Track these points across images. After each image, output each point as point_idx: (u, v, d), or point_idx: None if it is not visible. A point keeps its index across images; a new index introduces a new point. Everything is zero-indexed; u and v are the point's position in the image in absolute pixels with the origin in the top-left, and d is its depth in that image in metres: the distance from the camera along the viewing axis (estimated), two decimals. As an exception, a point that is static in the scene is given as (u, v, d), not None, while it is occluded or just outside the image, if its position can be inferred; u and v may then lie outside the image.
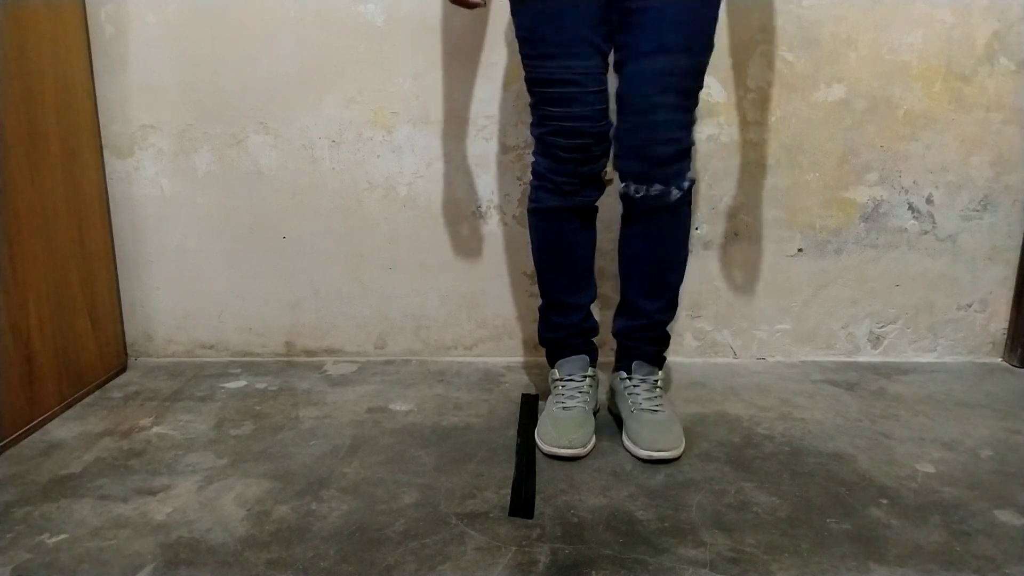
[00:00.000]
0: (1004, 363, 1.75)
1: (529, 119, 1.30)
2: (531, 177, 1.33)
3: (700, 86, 1.25)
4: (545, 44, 1.22)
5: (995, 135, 1.64)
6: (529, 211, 1.36)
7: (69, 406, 1.50)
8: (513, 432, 1.37)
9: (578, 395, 1.36)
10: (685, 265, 1.39)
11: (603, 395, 1.51)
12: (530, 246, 1.40)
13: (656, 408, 1.32)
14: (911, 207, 1.68)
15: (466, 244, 1.70)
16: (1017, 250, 1.70)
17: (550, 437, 1.28)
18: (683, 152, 1.26)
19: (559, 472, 1.23)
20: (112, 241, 1.69)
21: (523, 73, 1.27)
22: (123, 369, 1.71)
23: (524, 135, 1.63)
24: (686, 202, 1.31)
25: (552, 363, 1.43)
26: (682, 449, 1.27)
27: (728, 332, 1.75)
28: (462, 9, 1.40)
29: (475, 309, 1.74)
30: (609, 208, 1.71)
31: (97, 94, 1.63)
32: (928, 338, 1.75)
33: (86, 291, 1.56)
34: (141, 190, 1.69)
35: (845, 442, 1.34)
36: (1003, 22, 1.58)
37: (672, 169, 1.25)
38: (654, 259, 1.35)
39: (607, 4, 1.21)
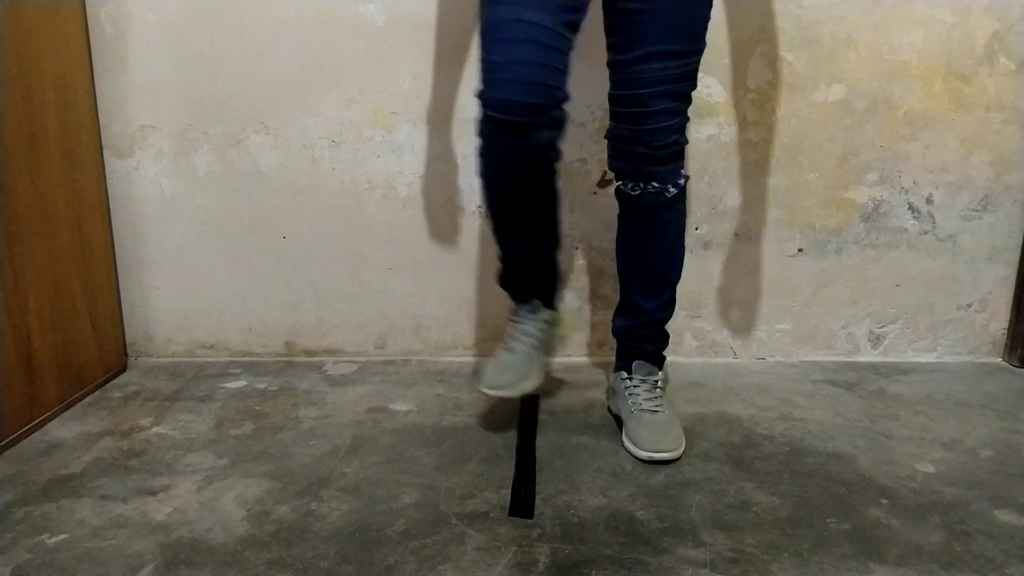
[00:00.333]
0: (1004, 363, 1.75)
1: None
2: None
3: (693, 87, 1.24)
4: None
5: (995, 135, 1.64)
6: (480, 154, 1.22)
7: (69, 406, 1.50)
8: (513, 432, 1.37)
9: (524, 338, 1.36)
10: (682, 262, 1.38)
11: (597, 394, 1.51)
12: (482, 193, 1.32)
13: (656, 408, 1.32)
14: (911, 207, 1.68)
15: (466, 244, 1.70)
16: (1017, 250, 1.70)
17: (485, 378, 1.30)
18: (678, 152, 1.26)
19: (559, 472, 1.23)
20: (112, 241, 1.69)
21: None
22: (123, 369, 1.71)
23: (524, 135, 1.63)
24: (681, 199, 1.30)
25: (513, 302, 1.42)
26: (682, 450, 1.27)
27: (728, 332, 1.75)
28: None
29: (475, 309, 1.74)
30: (608, 208, 1.70)
31: (97, 94, 1.63)
32: (928, 338, 1.75)
33: (86, 291, 1.56)
34: (141, 190, 1.69)
35: (845, 442, 1.34)
36: (1003, 22, 1.58)
37: (667, 168, 1.25)
38: (652, 257, 1.35)
39: None
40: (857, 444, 1.33)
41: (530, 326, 1.38)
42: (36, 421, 1.40)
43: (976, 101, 1.62)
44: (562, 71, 1.15)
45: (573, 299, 1.73)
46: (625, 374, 1.39)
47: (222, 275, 1.74)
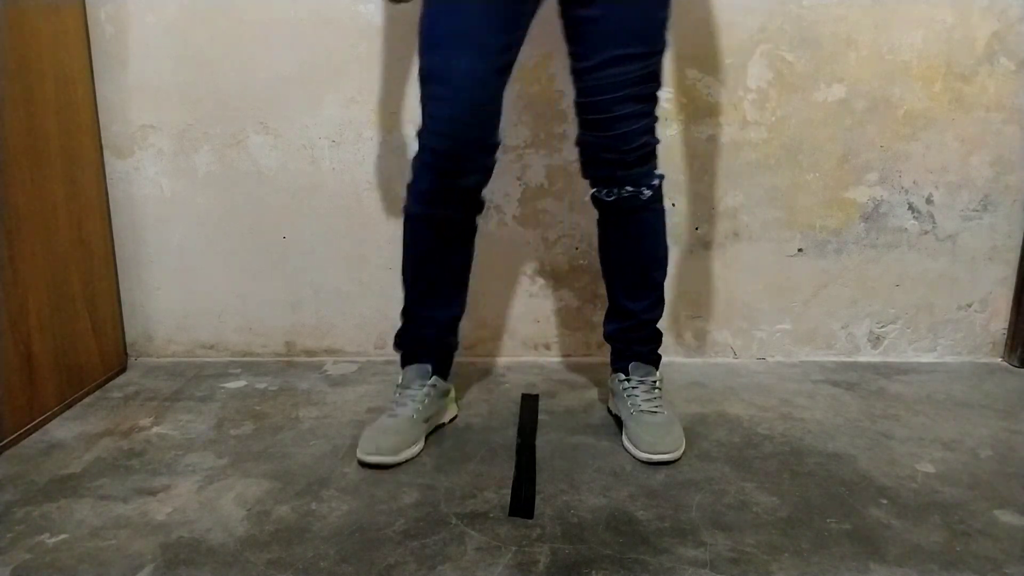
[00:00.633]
0: (1004, 363, 1.75)
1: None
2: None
3: (657, 87, 1.23)
4: (436, 39, 1.18)
5: (995, 135, 1.64)
6: (404, 210, 1.30)
7: (69, 406, 1.50)
8: (513, 432, 1.37)
9: (409, 403, 1.31)
10: (667, 260, 1.38)
11: (597, 394, 1.51)
12: None
13: (655, 409, 1.32)
14: (911, 207, 1.68)
15: (466, 244, 1.70)
16: (1017, 250, 1.70)
17: (362, 443, 1.26)
18: (648, 153, 1.25)
19: (559, 472, 1.23)
20: (112, 241, 1.69)
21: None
22: (123, 369, 1.71)
23: (523, 135, 1.63)
24: (658, 199, 1.30)
25: (402, 367, 1.39)
26: (682, 451, 1.27)
27: (728, 332, 1.75)
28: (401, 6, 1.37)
29: (475, 309, 1.74)
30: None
31: (97, 94, 1.63)
32: (928, 338, 1.75)
33: (86, 291, 1.56)
34: (141, 190, 1.69)
35: (845, 442, 1.34)
36: (1003, 22, 1.58)
37: (639, 171, 1.25)
38: (634, 260, 1.34)
39: (517, 8, 1.18)
40: (857, 444, 1.33)
41: (417, 391, 1.33)
42: (36, 421, 1.40)
43: (976, 101, 1.62)
44: (492, 120, 1.21)
45: (573, 299, 1.73)
46: (623, 376, 1.39)
47: (222, 275, 1.74)
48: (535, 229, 1.69)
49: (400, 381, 1.36)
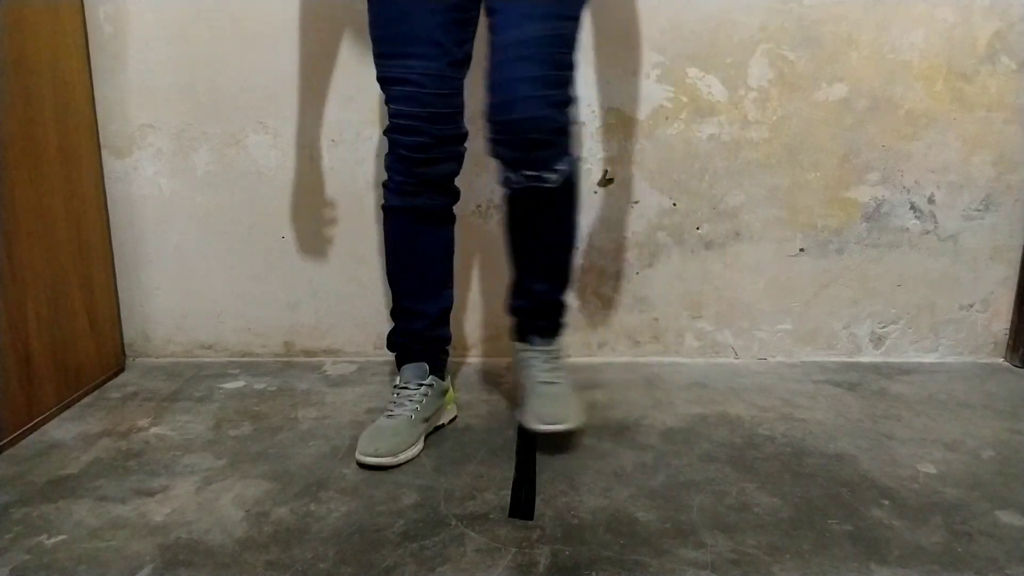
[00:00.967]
0: (1006, 363, 1.74)
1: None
2: None
3: (569, 60, 1.16)
4: (389, 42, 1.20)
5: (997, 134, 1.63)
6: (381, 208, 1.32)
7: (67, 407, 1.49)
8: (513, 432, 1.37)
9: (407, 404, 1.31)
10: (575, 243, 1.36)
11: (597, 394, 1.51)
12: None
13: (553, 380, 1.32)
14: (913, 207, 1.68)
15: (465, 244, 1.70)
16: (1019, 250, 1.70)
17: (361, 444, 1.25)
18: (554, 132, 1.17)
19: (559, 473, 1.23)
20: (110, 241, 1.68)
21: None
22: (121, 369, 1.71)
23: (524, 135, 1.62)
24: (570, 184, 1.25)
25: (398, 368, 1.39)
26: (579, 421, 1.27)
27: (729, 332, 1.75)
28: None
29: (475, 309, 1.74)
30: (608, 207, 1.70)
31: (96, 94, 1.62)
32: (930, 338, 1.75)
33: (84, 291, 1.56)
34: (140, 190, 1.68)
35: (847, 443, 1.33)
36: (1004, 21, 1.58)
37: (544, 153, 1.18)
38: (539, 244, 1.32)
39: (463, 4, 1.18)
40: (859, 445, 1.33)
41: (414, 391, 1.32)
42: (34, 422, 1.39)
43: (978, 100, 1.62)
44: (454, 113, 1.24)
45: (573, 299, 1.73)
46: (523, 345, 1.39)
47: (221, 275, 1.73)
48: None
49: (397, 382, 1.36)
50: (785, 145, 1.64)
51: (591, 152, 1.65)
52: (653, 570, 0.98)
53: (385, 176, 1.28)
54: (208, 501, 1.15)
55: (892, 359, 1.75)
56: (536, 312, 1.38)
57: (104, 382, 1.62)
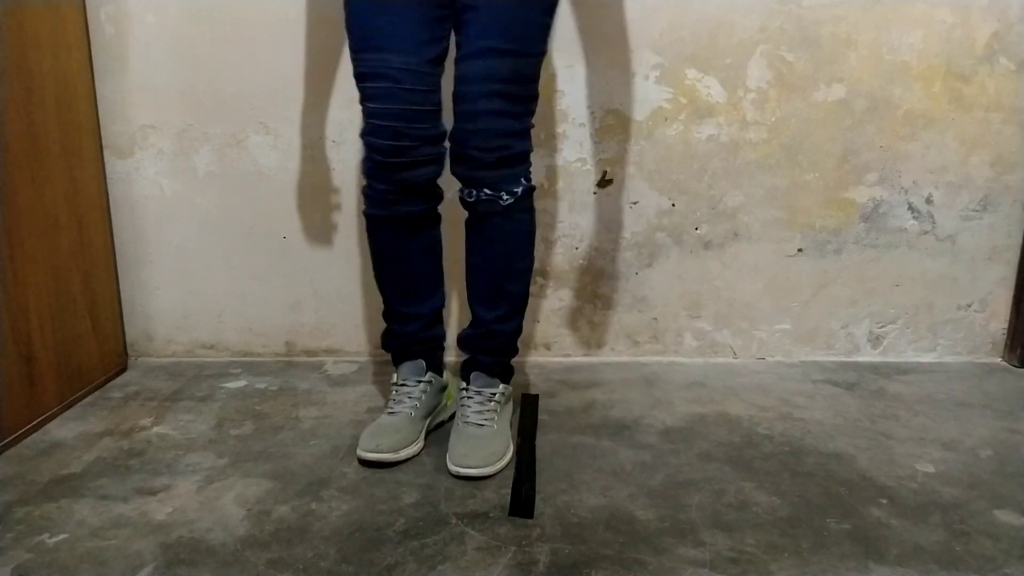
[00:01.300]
0: (1004, 363, 1.75)
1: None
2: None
3: (530, 93, 1.21)
4: (365, 37, 1.18)
5: (995, 135, 1.64)
6: (364, 214, 1.30)
7: (69, 406, 1.50)
8: (513, 432, 1.37)
9: (407, 400, 1.31)
10: (528, 275, 1.33)
11: (597, 394, 1.51)
12: None
13: (482, 423, 1.28)
14: (911, 207, 1.68)
15: (463, 243, 1.70)
16: (1017, 250, 1.70)
17: (362, 441, 1.25)
18: (512, 159, 1.22)
19: (559, 472, 1.23)
20: (112, 241, 1.69)
21: None
22: (123, 369, 1.71)
23: (524, 135, 1.63)
24: (524, 208, 1.26)
25: (395, 366, 1.38)
26: (497, 467, 1.22)
27: (728, 332, 1.75)
28: None
29: (475, 309, 1.74)
30: (608, 208, 1.71)
31: (97, 94, 1.63)
32: (928, 338, 1.75)
33: (86, 291, 1.56)
34: (141, 190, 1.69)
35: (845, 442, 1.34)
36: (1003, 22, 1.58)
37: (499, 174, 1.21)
38: (490, 266, 1.30)
39: (440, 1, 1.18)
40: (857, 444, 1.33)
41: (413, 388, 1.33)
42: (36, 421, 1.40)
43: (976, 101, 1.62)
44: (432, 111, 1.20)
45: (573, 299, 1.73)
46: (464, 384, 1.35)
47: (222, 275, 1.74)
48: (536, 229, 1.69)
49: (395, 379, 1.36)
50: (784, 146, 1.65)
51: (590, 153, 1.65)
52: (652, 568, 0.98)
53: (364, 182, 1.26)
54: (210, 500, 1.15)
55: (890, 359, 1.76)
56: (482, 342, 1.33)
57: (106, 382, 1.63)
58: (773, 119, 1.63)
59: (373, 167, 1.23)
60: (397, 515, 1.11)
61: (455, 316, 1.74)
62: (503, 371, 1.36)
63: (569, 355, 1.77)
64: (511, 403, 1.40)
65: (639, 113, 1.63)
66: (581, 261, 1.71)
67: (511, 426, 1.36)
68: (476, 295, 1.33)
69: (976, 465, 1.26)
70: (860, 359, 1.76)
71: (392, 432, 1.26)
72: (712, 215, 1.69)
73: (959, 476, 1.22)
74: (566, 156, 1.65)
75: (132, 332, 1.77)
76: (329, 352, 1.78)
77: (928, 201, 1.68)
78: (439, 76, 1.22)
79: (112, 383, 1.64)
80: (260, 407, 1.50)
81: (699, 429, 1.39)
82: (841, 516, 1.10)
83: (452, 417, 1.40)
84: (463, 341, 1.36)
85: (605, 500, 1.15)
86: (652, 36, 1.59)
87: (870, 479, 1.21)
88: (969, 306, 1.74)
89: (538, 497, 1.15)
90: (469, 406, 1.31)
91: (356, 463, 1.26)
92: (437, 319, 1.38)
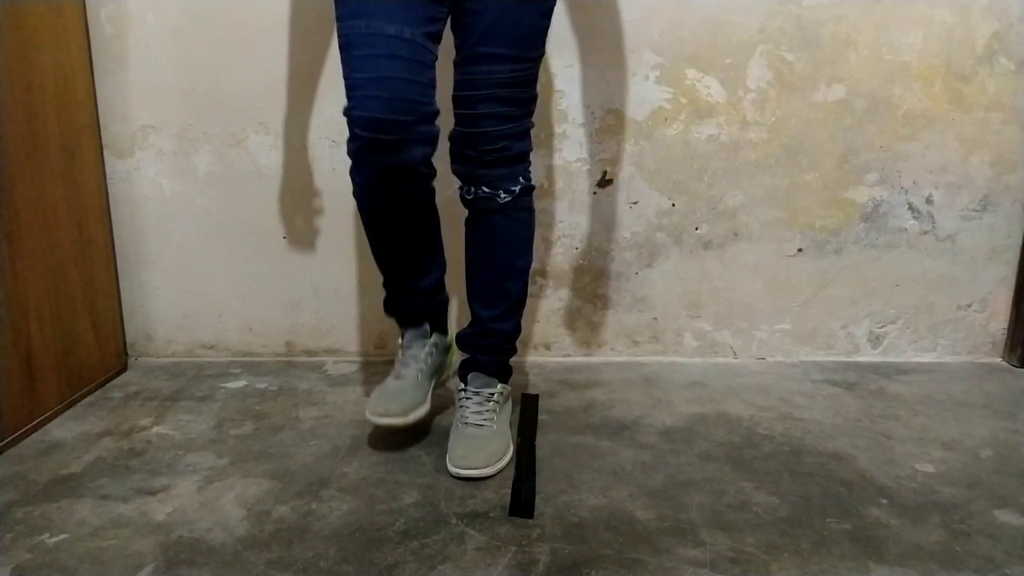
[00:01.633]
0: (1004, 363, 1.75)
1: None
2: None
3: (529, 95, 1.22)
4: (354, 2, 1.09)
5: (995, 135, 1.64)
6: (354, 195, 1.22)
7: (69, 406, 1.50)
8: (513, 432, 1.37)
9: (412, 364, 1.33)
10: (527, 274, 1.33)
11: (597, 394, 1.51)
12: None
13: (482, 423, 1.27)
14: (911, 207, 1.68)
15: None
16: (1017, 250, 1.70)
17: (371, 405, 1.27)
18: (510, 158, 1.22)
19: (559, 472, 1.23)
20: (112, 241, 1.69)
21: None
22: (123, 369, 1.71)
23: (524, 135, 1.63)
24: (522, 207, 1.27)
25: (400, 329, 1.39)
26: (497, 467, 1.22)
27: (728, 332, 1.75)
28: None
29: (475, 309, 1.74)
30: (608, 208, 1.71)
31: (97, 94, 1.63)
32: (928, 338, 1.75)
33: (86, 291, 1.56)
34: (141, 190, 1.69)
35: (845, 442, 1.34)
36: (1003, 22, 1.58)
37: (497, 173, 1.22)
38: (489, 264, 1.30)
39: None
40: (857, 444, 1.33)
41: (419, 351, 1.34)
42: (36, 421, 1.40)
43: (976, 101, 1.62)
44: (427, 85, 1.12)
45: (573, 299, 1.73)
46: (461, 384, 1.34)
47: (222, 275, 1.74)
48: (535, 229, 1.69)
49: (401, 342, 1.38)
50: (784, 146, 1.65)
51: (590, 153, 1.65)
52: (652, 568, 0.98)
53: (351, 163, 1.17)
54: (210, 500, 1.15)
55: (890, 359, 1.76)
56: (480, 341, 1.33)
57: (106, 382, 1.63)
58: (773, 119, 1.63)
59: (360, 150, 1.13)
60: (397, 515, 1.11)
61: (455, 317, 1.74)
62: (501, 371, 1.36)
63: (569, 355, 1.77)
64: (510, 403, 1.40)
65: (639, 113, 1.63)
66: (581, 261, 1.71)
67: (511, 426, 1.36)
68: (475, 294, 1.33)
69: (976, 465, 1.26)
70: (860, 359, 1.76)
71: (399, 396, 1.28)
72: (712, 215, 1.69)
73: (959, 476, 1.22)
74: (566, 156, 1.65)
75: (132, 332, 1.77)
76: (329, 352, 1.78)
77: (928, 201, 1.68)
78: (434, 53, 1.14)
79: (112, 383, 1.64)
80: (260, 407, 1.50)
81: (699, 429, 1.39)
82: (841, 516, 1.10)
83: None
84: (462, 340, 1.36)
85: (605, 500, 1.15)
86: (652, 36, 1.59)
87: (870, 479, 1.21)
88: (969, 306, 1.74)
89: (538, 497, 1.15)
90: (468, 406, 1.30)
91: (356, 463, 1.26)
92: (440, 288, 1.38)
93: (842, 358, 1.76)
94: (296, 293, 1.74)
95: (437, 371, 1.39)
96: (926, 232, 1.70)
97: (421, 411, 1.29)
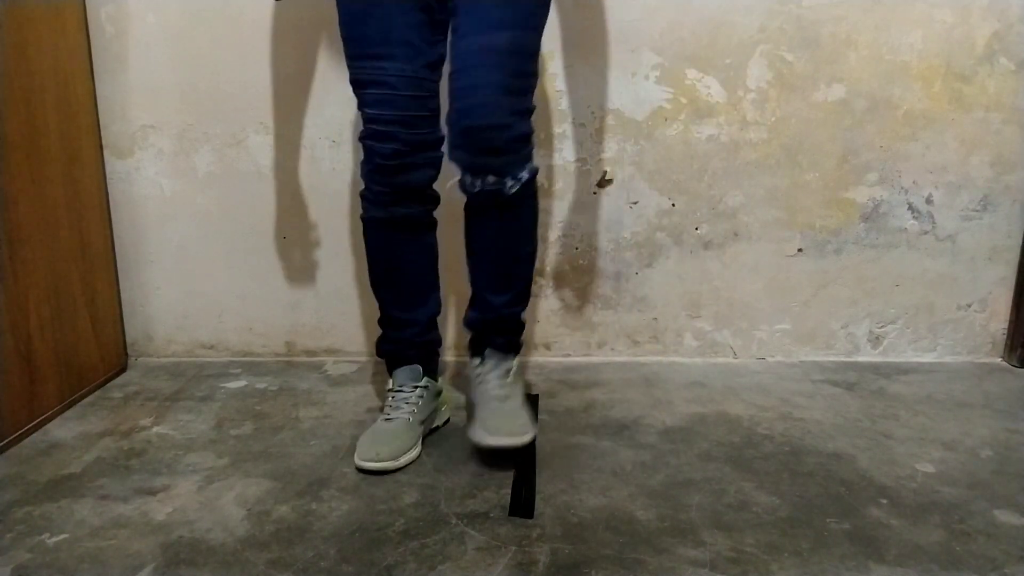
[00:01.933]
0: (1004, 363, 1.75)
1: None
2: None
3: (529, 69, 1.18)
4: (361, 43, 1.19)
5: (995, 135, 1.64)
6: (360, 219, 1.31)
7: (69, 406, 1.50)
8: (513, 432, 1.37)
9: (404, 406, 1.31)
10: (534, 257, 1.35)
11: (597, 394, 1.51)
12: None
13: (505, 395, 1.29)
14: (911, 207, 1.68)
15: (462, 242, 1.70)
16: (1017, 250, 1.70)
17: (360, 449, 1.24)
18: (516, 140, 1.18)
19: (559, 472, 1.23)
20: (112, 241, 1.69)
21: None
22: (123, 369, 1.71)
23: (524, 135, 1.63)
24: (529, 194, 1.25)
25: (390, 372, 1.39)
26: (530, 436, 1.23)
27: (728, 332, 1.75)
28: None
29: (475, 309, 1.74)
30: (608, 208, 1.71)
31: (97, 94, 1.63)
32: (928, 338, 1.75)
33: (86, 291, 1.56)
34: (141, 190, 1.69)
35: (845, 442, 1.34)
36: (1003, 22, 1.58)
37: (505, 159, 1.18)
38: (498, 254, 1.30)
39: (432, 5, 1.18)
40: (857, 444, 1.33)
41: (409, 393, 1.33)
42: (36, 421, 1.40)
43: (976, 101, 1.62)
44: (430, 116, 1.22)
45: (573, 299, 1.73)
46: (478, 361, 1.36)
47: (222, 275, 1.74)
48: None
49: (391, 385, 1.36)
50: (784, 146, 1.65)
51: (590, 153, 1.65)
52: (652, 568, 0.98)
53: (362, 185, 1.27)
54: (210, 500, 1.15)
55: (890, 359, 1.76)
56: (493, 326, 1.34)
57: (106, 381, 1.63)
58: (773, 119, 1.63)
59: (372, 170, 1.24)
60: (397, 515, 1.11)
61: (453, 317, 1.74)
62: (516, 347, 1.38)
63: (569, 355, 1.77)
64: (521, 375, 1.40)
65: (639, 113, 1.63)
66: (581, 261, 1.71)
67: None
68: (484, 282, 1.33)
69: (976, 465, 1.26)
70: (860, 359, 1.76)
71: (391, 439, 1.26)
72: (712, 215, 1.69)
73: (959, 476, 1.22)
74: (566, 156, 1.65)
75: (132, 332, 1.77)
76: (329, 352, 1.78)
77: (928, 201, 1.68)
78: (436, 82, 1.23)
79: (112, 383, 1.64)
80: (260, 407, 1.50)
81: (699, 429, 1.39)
82: (841, 516, 1.10)
83: (446, 423, 1.40)
84: (472, 323, 1.37)
85: (605, 500, 1.15)
86: (652, 36, 1.59)
87: (870, 479, 1.21)
88: (969, 306, 1.74)
89: (538, 497, 1.15)
90: (489, 380, 1.32)
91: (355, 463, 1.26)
92: (432, 325, 1.38)
93: (842, 358, 1.76)
94: (296, 293, 1.75)
95: (428, 417, 1.35)
96: (926, 232, 1.70)
97: (413, 454, 1.27)
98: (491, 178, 1.20)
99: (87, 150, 1.58)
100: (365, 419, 1.43)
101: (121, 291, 1.73)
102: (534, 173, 1.25)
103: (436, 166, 1.26)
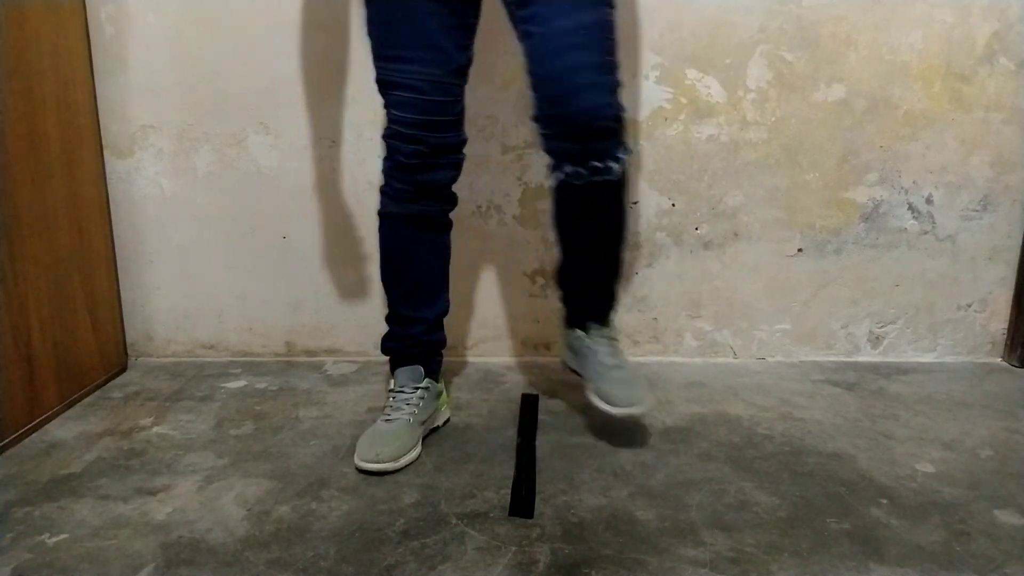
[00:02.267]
0: (1004, 363, 1.75)
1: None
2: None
3: (615, 47, 1.14)
4: (390, 45, 1.19)
5: (995, 135, 1.64)
6: (377, 214, 1.31)
7: (69, 406, 1.50)
8: (513, 432, 1.37)
9: (404, 407, 1.30)
10: (628, 228, 1.35)
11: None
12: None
13: (620, 364, 1.32)
14: (911, 207, 1.68)
15: (465, 244, 1.70)
16: (1017, 250, 1.70)
17: (360, 450, 1.24)
18: (616, 120, 1.15)
19: (559, 472, 1.23)
20: (112, 241, 1.69)
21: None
22: (123, 369, 1.71)
23: (524, 135, 1.63)
24: (625, 175, 1.22)
25: (392, 372, 1.38)
26: (652, 403, 1.31)
27: (728, 332, 1.75)
28: None
29: (475, 309, 1.74)
30: (609, 208, 1.70)
31: (97, 94, 1.63)
32: (928, 338, 1.75)
33: (86, 291, 1.56)
34: (141, 190, 1.69)
35: (845, 442, 1.34)
36: (1003, 22, 1.58)
37: (609, 143, 1.16)
38: (600, 237, 1.29)
39: (464, 9, 1.18)
40: (857, 444, 1.33)
41: (410, 394, 1.32)
42: (36, 421, 1.40)
43: (976, 101, 1.62)
44: (454, 120, 1.24)
45: (573, 299, 1.73)
46: (581, 332, 1.36)
47: (222, 275, 1.74)
48: (535, 229, 1.69)
49: (392, 385, 1.36)
50: (784, 146, 1.65)
51: (591, 152, 1.65)
52: (652, 568, 0.98)
53: (383, 181, 1.28)
54: (210, 500, 1.15)
55: (890, 359, 1.76)
56: (595, 299, 1.36)
57: (106, 381, 1.63)
58: (773, 119, 1.63)
59: (393, 167, 1.25)
60: (397, 515, 1.11)
61: (454, 317, 1.74)
62: (611, 315, 1.39)
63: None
64: None
65: (639, 113, 1.63)
66: (581, 261, 1.71)
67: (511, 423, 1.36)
68: (584, 262, 1.33)
69: (976, 465, 1.26)
70: (860, 359, 1.76)
71: (391, 440, 1.26)
72: (712, 215, 1.69)
73: (959, 476, 1.22)
74: (566, 156, 1.65)
75: (132, 332, 1.77)
76: (329, 352, 1.78)
77: (928, 201, 1.68)
78: (462, 87, 1.24)
79: (112, 383, 1.64)
80: (260, 407, 1.50)
81: (699, 429, 1.39)
82: (841, 516, 1.10)
83: (446, 423, 1.40)
84: (570, 298, 1.37)
85: (605, 500, 1.15)
86: (652, 36, 1.59)
87: (870, 479, 1.21)
88: (969, 306, 1.74)
89: (538, 497, 1.15)
90: (600, 351, 1.33)
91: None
92: (439, 325, 1.39)
93: (842, 358, 1.76)
94: (296, 293, 1.75)
95: (428, 418, 1.34)
96: (926, 232, 1.70)
97: (413, 455, 1.27)
98: (597, 163, 1.15)
99: (87, 150, 1.58)
100: (365, 419, 1.43)
101: (121, 291, 1.73)
102: (630, 151, 1.22)
103: (458, 167, 1.28)
